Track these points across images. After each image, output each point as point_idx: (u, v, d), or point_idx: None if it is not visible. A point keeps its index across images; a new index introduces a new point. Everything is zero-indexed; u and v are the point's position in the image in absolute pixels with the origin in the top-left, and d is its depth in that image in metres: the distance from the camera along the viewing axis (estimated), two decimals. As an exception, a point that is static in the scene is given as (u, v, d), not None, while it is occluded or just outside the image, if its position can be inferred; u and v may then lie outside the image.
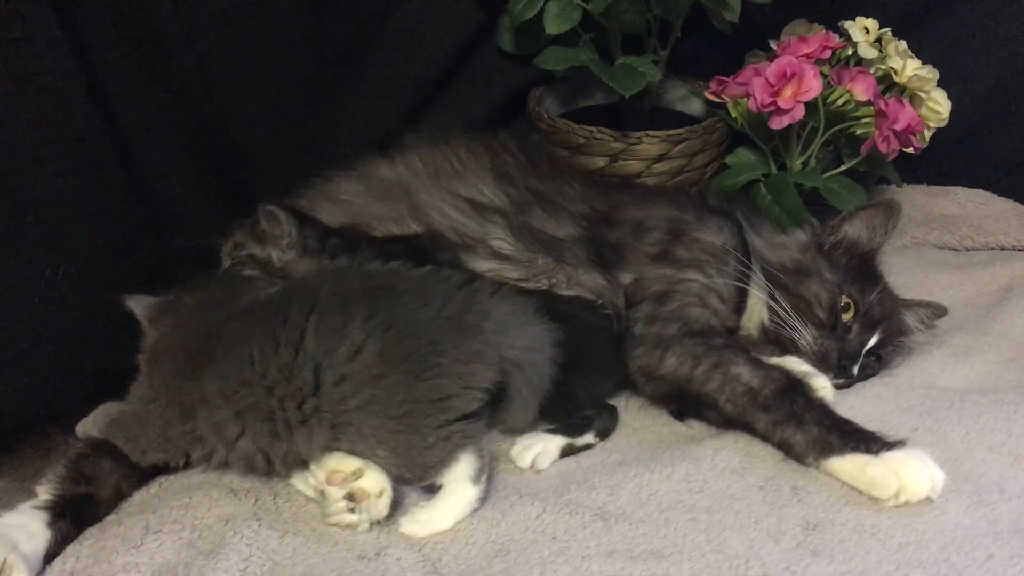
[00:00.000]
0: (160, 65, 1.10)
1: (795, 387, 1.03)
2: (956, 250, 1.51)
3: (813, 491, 0.96)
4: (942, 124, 1.41)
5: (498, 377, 0.93)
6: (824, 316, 1.12)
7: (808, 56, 1.31)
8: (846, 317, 1.13)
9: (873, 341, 1.14)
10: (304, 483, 0.95)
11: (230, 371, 0.92)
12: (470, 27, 1.45)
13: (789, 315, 1.12)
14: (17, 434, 1.03)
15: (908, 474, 0.93)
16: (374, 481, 0.90)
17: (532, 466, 1.01)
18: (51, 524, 0.89)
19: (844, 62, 1.38)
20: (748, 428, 1.04)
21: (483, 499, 0.93)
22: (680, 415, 1.10)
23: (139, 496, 0.97)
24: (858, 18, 1.40)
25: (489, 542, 0.90)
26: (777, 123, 1.25)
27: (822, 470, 0.98)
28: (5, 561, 0.83)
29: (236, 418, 0.91)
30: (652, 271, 1.17)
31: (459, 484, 0.91)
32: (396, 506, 0.93)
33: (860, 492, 0.95)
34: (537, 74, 1.48)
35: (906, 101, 1.30)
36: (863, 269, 1.18)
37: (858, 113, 1.31)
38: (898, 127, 1.25)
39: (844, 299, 1.13)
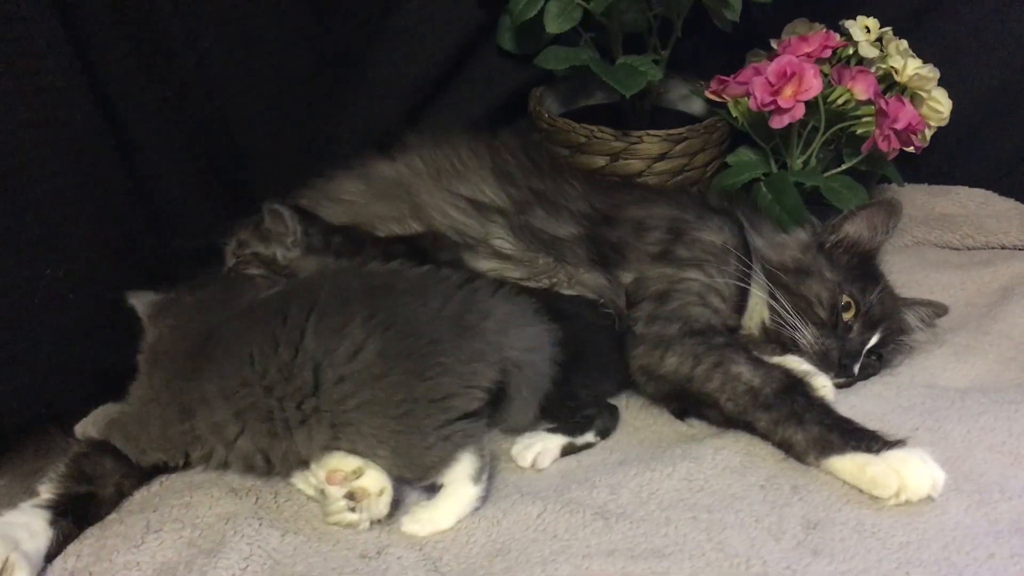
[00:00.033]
0: (160, 65, 1.10)
1: (796, 386, 1.03)
2: (957, 249, 1.51)
3: (814, 490, 0.96)
4: (943, 123, 1.41)
5: (498, 376, 0.93)
6: (825, 315, 1.12)
7: (809, 55, 1.31)
8: (847, 316, 1.13)
9: (874, 340, 1.14)
10: (305, 482, 0.95)
11: (230, 371, 0.92)
12: (470, 27, 1.45)
13: (790, 314, 1.12)
14: (18, 433, 1.03)
15: (909, 473, 0.93)
16: (374, 480, 0.90)
17: (533, 465, 1.01)
18: (53, 523, 0.89)
19: (845, 61, 1.39)
20: (749, 427, 1.04)
21: (484, 498, 0.93)
22: (681, 414, 1.10)
23: (140, 495, 0.97)
24: (859, 17, 1.40)
25: (490, 541, 0.90)
26: (777, 122, 1.25)
27: (823, 469, 0.98)
28: (7, 560, 0.83)
29: (235, 418, 0.91)
30: (653, 270, 1.17)
31: (460, 483, 0.91)
32: (397, 505, 0.93)
33: (861, 491, 0.95)
34: (538, 73, 1.48)
35: (907, 100, 1.30)
36: (864, 268, 1.18)
37: (859, 112, 1.31)
38: (899, 126, 1.25)
39: (845, 298, 1.13)
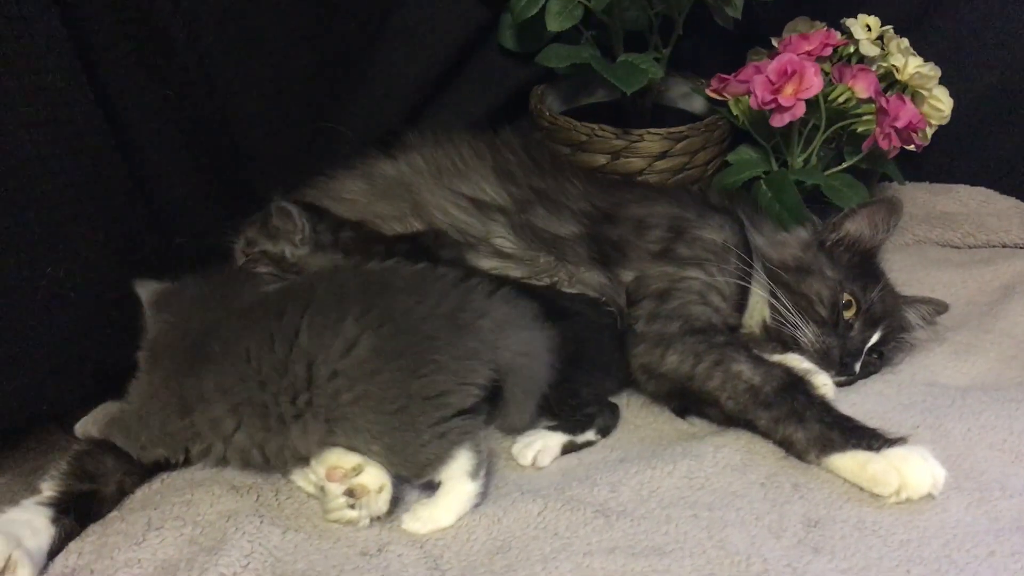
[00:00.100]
0: (161, 64, 1.10)
1: (796, 384, 1.03)
2: (958, 248, 1.51)
3: (814, 488, 0.96)
4: (944, 122, 1.41)
5: (494, 374, 0.94)
6: (826, 314, 1.12)
7: (809, 54, 1.31)
8: (848, 314, 1.13)
9: (875, 338, 1.14)
10: (305, 479, 0.95)
11: (227, 367, 0.92)
12: (471, 25, 1.45)
13: (791, 313, 1.12)
14: (19, 431, 1.03)
15: (909, 471, 0.93)
16: (374, 477, 0.91)
17: (533, 463, 1.01)
18: (55, 520, 0.89)
19: (846, 59, 1.39)
20: (749, 425, 1.04)
21: (483, 494, 0.93)
22: (682, 412, 1.11)
23: (141, 493, 0.97)
24: (860, 16, 1.40)
25: (491, 539, 0.90)
26: (778, 120, 1.25)
27: (823, 467, 0.98)
28: (10, 557, 0.84)
29: (232, 413, 0.92)
30: (654, 269, 1.17)
31: (457, 481, 0.91)
32: (397, 503, 0.93)
33: (861, 489, 0.95)
34: (539, 72, 1.48)
35: (908, 98, 1.30)
36: (865, 266, 1.18)
37: (859, 111, 1.31)
38: (899, 124, 1.25)
39: (846, 296, 1.13)
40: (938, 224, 1.54)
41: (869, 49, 1.38)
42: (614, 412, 1.09)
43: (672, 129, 1.38)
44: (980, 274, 1.40)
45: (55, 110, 0.94)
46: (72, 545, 0.89)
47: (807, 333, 1.11)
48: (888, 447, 0.95)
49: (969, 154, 1.60)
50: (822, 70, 1.28)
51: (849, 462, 0.96)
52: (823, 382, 1.07)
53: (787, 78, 1.24)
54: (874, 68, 1.36)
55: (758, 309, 1.17)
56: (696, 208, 1.23)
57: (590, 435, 1.05)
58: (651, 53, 1.39)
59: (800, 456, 0.99)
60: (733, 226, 1.20)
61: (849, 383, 1.13)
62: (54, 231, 0.96)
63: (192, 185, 1.20)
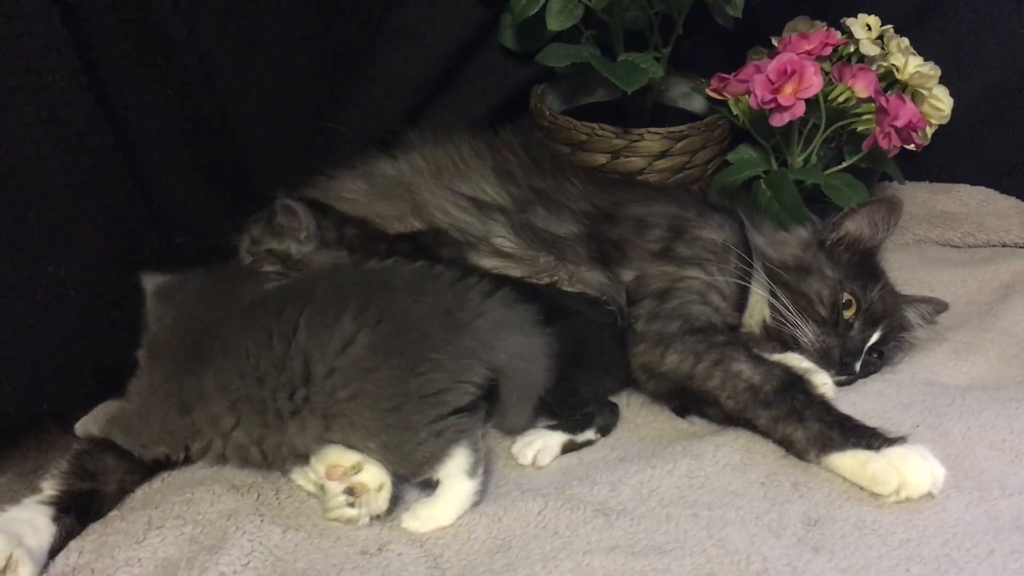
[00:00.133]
0: (161, 63, 1.10)
1: (796, 384, 1.03)
2: (958, 247, 1.51)
3: (814, 487, 0.96)
4: (944, 121, 1.41)
5: (490, 373, 0.94)
6: (826, 313, 1.12)
7: (809, 53, 1.31)
8: (848, 314, 1.13)
9: (875, 338, 1.14)
10: (304, 478, 0.95)
11: (227, 364, 0.93)
12: (471, 25, 1.45)
13: (791, 312, 1.12)
14: (19, 430, 1.03)
15: (909, 470, 0.93)
16: (373, 475, 0.91)
17: (533, 462, 1.01)
18: (56, 519, 0.89)
19: (846, 59, 1.39)
20: (749, 425, 1.04)
21: (482, 493, 0.94)
22: (681, 412, 1.11)
23: (141, 492, 0.97)
24: (860, 15, 1.40)
25: (491, 537, 0.90)
26: (778, 120, 1.25)
27: (823, 466, 0.98)
28: (11, 556, 0.84)
29: (231, 410, 0.92)
30: (654, 268, 1.17)
31: (455, 479, 0.91)
32: (396, 502, 0.93)
33: (861, 488, 0.95)
34: (539, 71, 1.48)
35: (908, 98, 1.30)
36: (864, 266, 1.18)
37: (859, 110, 1.31)
38: (899, 123, 1.25)
39: (846, 296, 1.13)
40: (938, 223, 1.54)
41: (869, 48, 1.38)
42: (614, 411, 1.09)
43: (672, 128, 1.38)
44: (980, 273, 1.40)
45: (55, 110, 0.94)
46: (73, 544, 0.90)
47: (807, 332, 1.11)
48: (888, 446, 0.95)
49: (969, 153, 1.60)
50: (822, 69, 1.28)
51: (849, 461, 0.96)
52: (823, 381, 1.07)
53: (787, 77, 1.24)
54: (874, 67, 1.36)
55: (758, 309, 1.17)
56: (696, 208, 1.23)
57: (590, 434, 1.05)
58: (651, 52, 1.39)
59: (800, 455, 0.99)
60: (733, 225, 1.20)
61: (849, 382, 1.13)
62: (54, 230, 0.96)
63: (192, 185, 1.20)
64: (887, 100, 1.26)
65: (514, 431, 1.04)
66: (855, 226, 1.18)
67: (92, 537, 0.90)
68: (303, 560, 0.87)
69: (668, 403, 1.11)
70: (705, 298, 1.14)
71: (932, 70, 1.37)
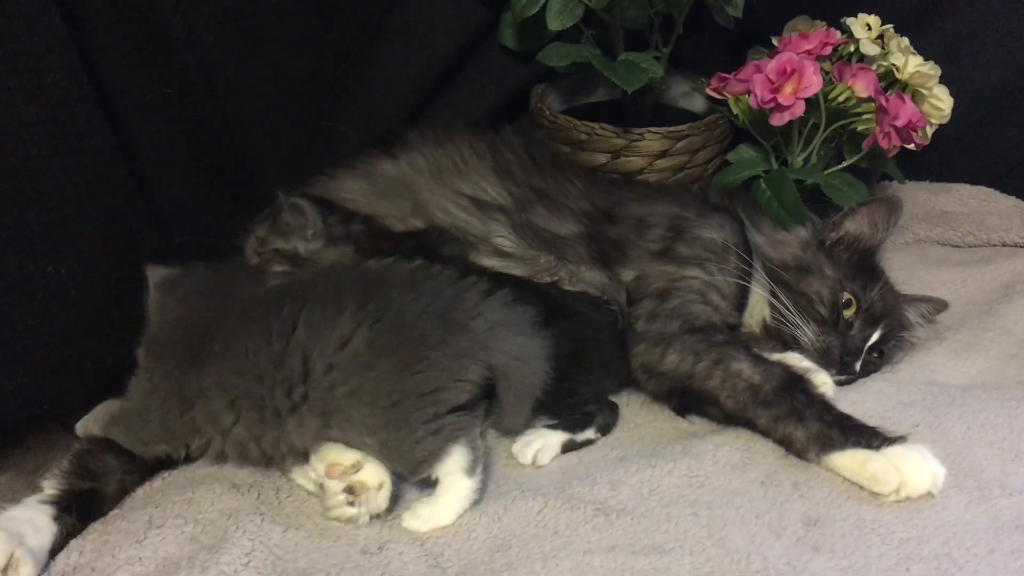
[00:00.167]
0: (161, 63, 1.10)
1: (796, 383, 1.03)
2: (958, 247, 1.51)
3: (814, 486, 0.96)
4: (944, 121, 1.41)
5: (487, 372, 0.94)
6: (826, 313, 1.12)
7: (809, 52, 1.31)
8: (848, 313, 1.13)
9: (875, 337, 1.14)
10: (304, 477, 0.96)
11: (227, 362, 0.93)
12: (472, 24, 1.45)
13: (791, 312, 1.12)
14: (20, 429, 1.03)
15: (909, 469, 0.93)
16: (373, 474, 0.91)
17: (533, 461, 1.01)
18: (57, 519, 0.89)
19: (846, 58, 1.39)
20: (749, 424, 1.04)
21: (481, 491, 0.94)
22: (681, 411, 1.11)
23: (142, 491, 0.98)
24: (860, 15, 1.40)
25: (491, 537, 0.90)
26: (778, 119, 1.25)
27: (823, 466, 0.98)
28: (13, 555, 0.84)
29: (230, 407, 0.93)
30: (654, 268, 1.17)
31: (454, 477, 0.91)
32: (396, 501, 0.94)
33: (861, 487, 0.95)
34: (539, 70, 1.48)
35: (908, 97, 1.30)
36: (864, 265, 1.18)
37: (859, 109, 1.31)
38: (899, 123, 1.25)
39: (846, 295, 1.13)
40: (938, 223, 1.54)
41: (869, 48, 1.38)
42: (614, 411, 1.09)
43: (672, 128, 1.39)
44: (980, 273, 1.40)
45: (55, 109, 0.94)
46: (73, 543, 0.90)
47: (807, 332, 1.11)
48: (888, 445, 0.95)
49: (969, 153, 1.60)
50: (822, 69, 1.28)
51: (849, 460, 0.96)
52: (823, 380, 1.07)
53: (787, 77, 1.24)
54: (874, 67, 1.36)
55: (758, 308, 1.17)
56: (696, 207, 1.23)
57: (590, 433, 1.05)
58: (651, 52, 1.39)
59: (800, 454, 0.99)
60: (733, 225, 1.20)
61: (850, 382, 1.13)
62: (55, 230, 0.96)
63: (192, 185, 1.20)
64: (887, 100, 1.26)
65: (513, 431, 1.04)
66: (855, 225, 1.18)
67: (93, 536, 0.91)
68: (303, 559, 0.87)
69: (668, 402, 1.11)
70: (705, 298, 1.14)
71: (932, 70, 1.37)
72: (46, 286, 0.96)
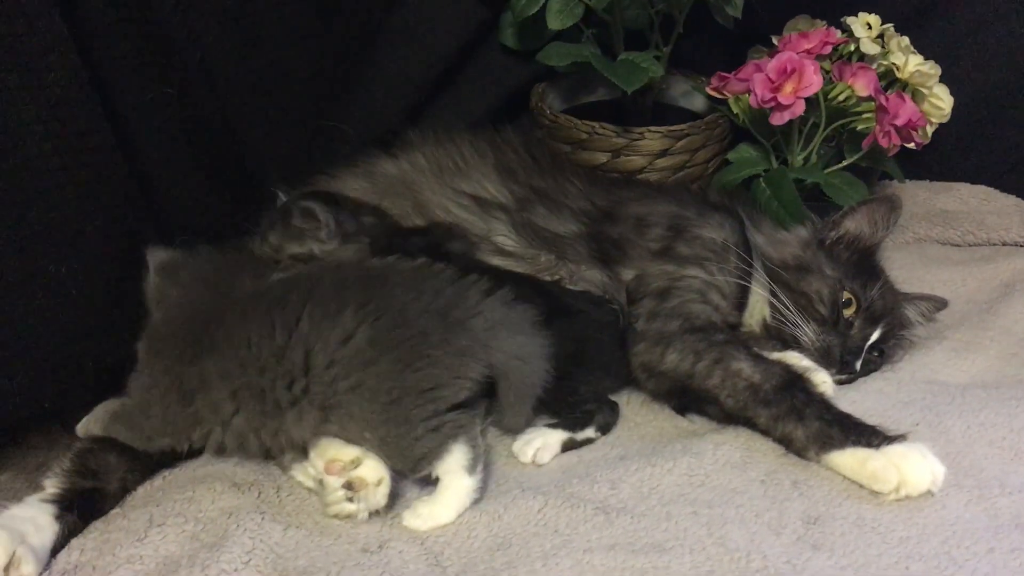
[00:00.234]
0: (162, 62, 1.10)
1: (796, 382, 1.03)
2: (958, 246, 1.51)
3: (814, 485, 0.96)
4: (944, 120, 1.42)
5: (487, 370, 0.94)
6: (826, 312, 1.13)
7: (809, 52, 1.31)
8: (848, 313, 1.13)
9: (875, 336, 1.14)
10: (304, 474, 0.96)
11: (229, 353, 0.94)
12: (472, 24, 1.45)
13: (791, 312, 1.12)
14: (21, 428, 1.03)
15: (909, 468, 0.93)
16: (372, 470, 0.91)
17: (533, 460, 1.02)
18: (59, 517, 0.90)
19: (846, 57, 1.39)
20: (749, 423, 1.04)
21: (482, 490, 0.94)
22: (682, 410, 1.11)
23: (143, 489, 0.98)
24: (860, 14, 1.40)
25: (491, 535, 0.90)
26: (778, 119, 1.25)
27: (823, 464, 0.98)
28: (14, 553, 0.84)
29: (231, 397, 0.93)
30: (654, 267, 1.17)
31: (454, 476, 0.92)
32: (396, 499, 0.94)
33: (861, 486, 0.95)
34: (540, 70, 1.48)
35: (908, 96, 1.30)
36: (864, 264, 1.18)
37: (859, 109, 1.31)
38: (899, 122, 1.25)
39: (846, 295, 1.13)
40: (938, 222, 1.54)
41: (869, 47, 1.38)
42: (614, 409, 1.09)
43: (672, 127, 1.39)
44: (980, 272, 1.40)
45: (55, 109, 0.94)
46: (75, 542, 0.90)
47: (807, 332, 1.12)
48: (888, 444, 0.95)
49: (969, 152, 1.60)
50: (822, 68, 1.28)
51: (849, 459, 0.96)
52: (822, 379, 1.07)
53: (787, 76, 1.24)
54: (874, 66, 1.36)
55: (758, 308, 1.17)
56: (696, 207, 1.23)
57: (590, 432, 1.05)
58: (652, 51, 1.39)
59: (800, 453, 1.00)
60: (733, 225, 1.21)
61: (850, 381, 1.13)
62: (55, 229, 0.96)
63: (192, 184, 1.20)
64: (887, 99, 1.26)
65: (513, 430, 1.04)
66: (855, 224, 1.18)
67: (94, 535, 0.91)
68: (304, 558, 0.87)
69: (668, 401, 1.11)
70: (705, 297, 1.14)
71: (932, 69, 1.37)
72: (46, 286, 0.96)
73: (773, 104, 1.24)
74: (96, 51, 1.01)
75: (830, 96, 1.30)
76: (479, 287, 0.99)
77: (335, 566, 0.86)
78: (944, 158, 1.59)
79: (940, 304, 1.24)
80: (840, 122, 1.32)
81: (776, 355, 1.12)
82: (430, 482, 0.94)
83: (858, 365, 1.12)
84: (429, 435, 0.90)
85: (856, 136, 1.33)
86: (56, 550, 0.89)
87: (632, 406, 1.13)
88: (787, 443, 1.00)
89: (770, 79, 1.24)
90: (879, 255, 1.21)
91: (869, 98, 1.29)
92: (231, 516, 0.92)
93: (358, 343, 0.92)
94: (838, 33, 1.37)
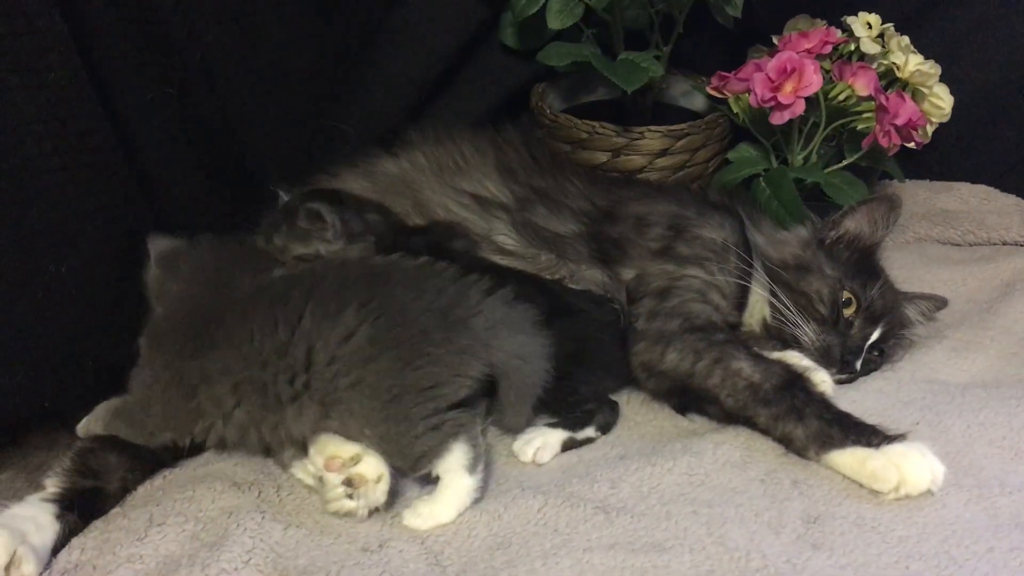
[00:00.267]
0: (162, 62, 1.10)
1: (796, 381, 1.03)
2: (958, 245, 1.51)
3: (814, 484, 0.96)
4: (944, 119, 1.41)
5: (487, 369, 0.95)
6: (826, 312, 1.13)
7: (809, 51, 1.31)
8: (848, 312, 1.13)
9: (875, 336, 1.14)
10: (304, 471, 0.96)
11: (231, 347, 0.94)
12: (472, 23, 1.45)
13: (791, 311, 1.12)
14: (22, 428, 1.03)
15: (909, 467, 0.93)
16: (372, 467, 0.91)
17: (533, 459, 1.02)
18: (59, 517, 0.90)
19: (846, 57, 1.39)
20: (749, 422, 1.04)
21: (482, 488, 0.94)
22: (682, 409, 1.11)
23: (143, 489, 0.98)
24: (861, 13, 1.40)
25: (491, 534, 0.90)
26: (778, 118, 1.25)
27: (823, 464, 0.98)
28: (15, 553, 0.84)
29: (233, 390, 0.93)
30: (654, 267, 1.17)
31: (455, 475, 0.92)
32: (396, 498, 0.94)
33: (861, 485, 0.95)
34: (540, 70, 1.48)
35: (908, 96, 1.30)
36: (864, 264, 1.18)
37: (859, 108, 1.31)
38: (899, 122, 1.25)
39: (846, 294, 1.13)
40: (938, 222, 1.54)
41: (869, 47, 1.38)
42: (614, 409, 1.10)
43: (672, 127, 1.39)
44: (980, 271, 1.40)
45: (55, 109, 0.94)
46: (75, 541, 0.90)
47: (807, 331, 1.12)
48: (887, 444, 0.95)
49: (969, 152, 1.60)
50: (822, 68, 1.28)
51: (848, 458, 0.96)
52: (822, 379, 1.07)
53: (787, 76, 1.24)
54: (874, 66, 1.36)
55: (758, 307, 1.17)
56: (696, 206, 1.23)
57: (590, 432, 1.06)
58: (652, 51, 1.39)
59: (799, 453, 1.00)
60: (733, 224, 1.21)
61: (850, 381, 1.13)
62: (55, 229, 0.96)
63: (194, 182, 1.20)
64: (887, 98, 1.26)
65: (514, 429, 1.04)
66: (855, 224, 1.18)
67: (94, 534, 0.91)
68: (304, 557, 0.87)
69: (668, 401, 1.11)
70: (705, 296, 1.14)
71: (932, 68, 1.37)
72: (46, 285, 0.96)
73: (773, 103, 1.24)
74: (96, 51, 1.01)
75: (830, 96, 1.30)
76: (480, 286, 0.99)
77: (335, 565, 0.86)
78: (944, 158, 1.59)
79: (940, 303, 1.24)
80: (840, 122, 1.32)
81: (776, 355, 1.12)
82: (430, 481, 0.94)
83: (858, 365, 1.12)
84: (429, 433, 0.90)
85: (856, 136, 1.33)
86: (57, 549, 0.89)
87: (632, 405, 1.13)
88: (787, 442, 1.00)
89: (770, 79, 1.24)
90: (879, 255, 1.21)
91: (869, 98, 1.29)
92: (231, 515, 0.92)
93: (359, 341, 0.92)
94: (838, 33, 1.37)
